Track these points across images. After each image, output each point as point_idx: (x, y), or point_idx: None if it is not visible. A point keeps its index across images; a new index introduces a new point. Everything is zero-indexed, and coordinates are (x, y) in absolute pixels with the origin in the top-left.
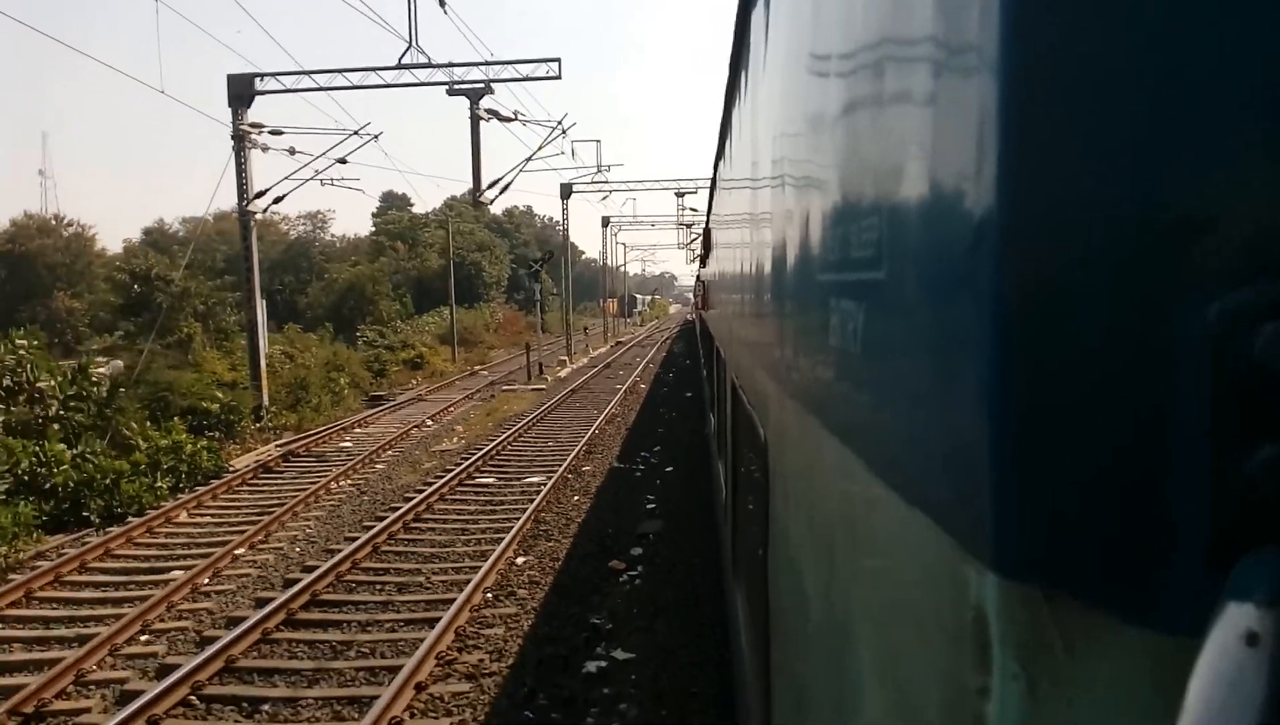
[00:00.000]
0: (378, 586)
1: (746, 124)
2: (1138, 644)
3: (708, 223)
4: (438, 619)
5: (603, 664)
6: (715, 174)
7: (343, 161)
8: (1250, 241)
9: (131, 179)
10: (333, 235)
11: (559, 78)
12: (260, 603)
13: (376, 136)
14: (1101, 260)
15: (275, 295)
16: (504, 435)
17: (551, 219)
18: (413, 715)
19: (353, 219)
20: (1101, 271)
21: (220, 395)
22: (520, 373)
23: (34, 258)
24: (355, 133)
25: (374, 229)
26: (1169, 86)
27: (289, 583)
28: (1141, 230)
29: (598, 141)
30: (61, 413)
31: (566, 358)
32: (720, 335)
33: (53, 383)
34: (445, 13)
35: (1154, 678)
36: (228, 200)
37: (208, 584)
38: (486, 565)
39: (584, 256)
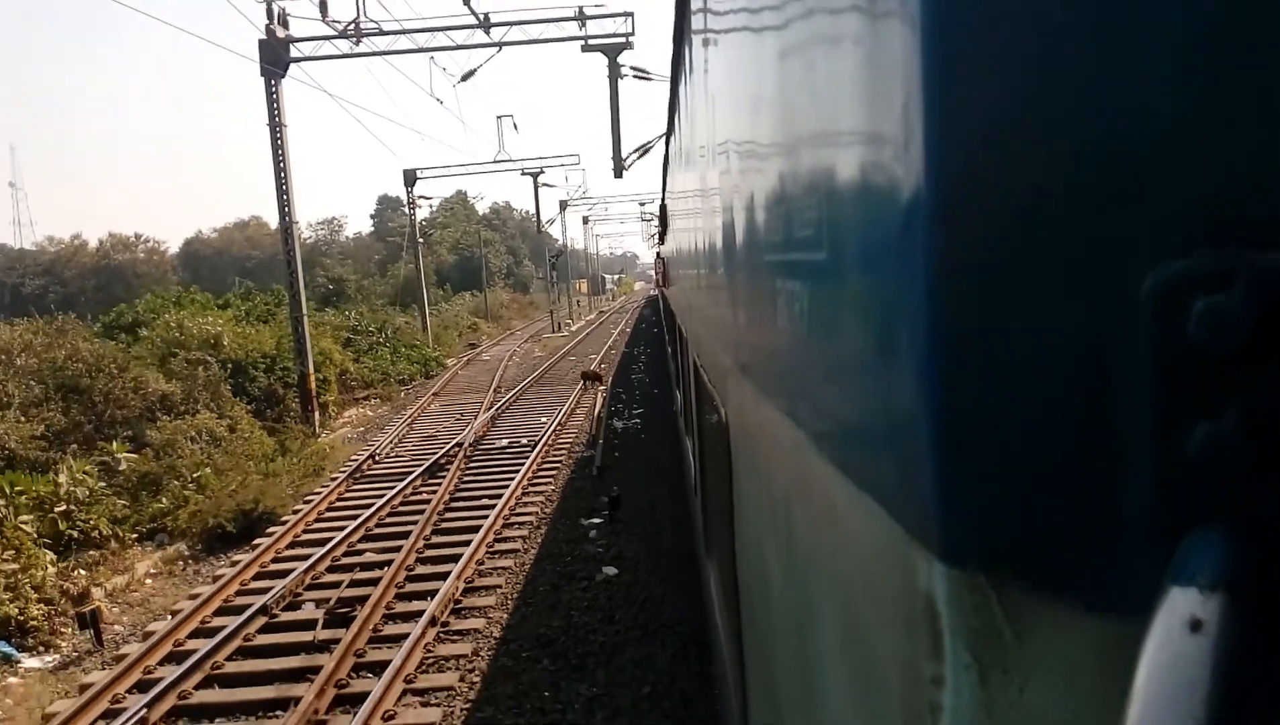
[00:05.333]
0: (560, 373)
1: (694, 99)
2: (1086, 629)
3: (663, 199)
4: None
5: (639, 363)
6: (667, 150)
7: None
8: (1188, 209)
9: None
10: (346, 236)
11: (579, 166)
12: (528, 371)
13: (483, 199)
14: (1036, 234)
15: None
16: (564, 349)
17: (529, 212)
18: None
19: (355, 220)
20: (1036, 245)
21: (421, 339)
22: (545, 329)
23: (125, 268)
24: (478, 197)
25: (372, 227)
26: (1097, 47)
27: (532, 370)
28: (1075, 201)
29: (584, 170)
30: (380, 342)
31: (570, 321)
32: (681, 313)
33: (373, 328)
34: (517, 131)
35: (1104, 663)
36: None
37: (504, 373)
38: (594, 363)
39: (557, 242)
